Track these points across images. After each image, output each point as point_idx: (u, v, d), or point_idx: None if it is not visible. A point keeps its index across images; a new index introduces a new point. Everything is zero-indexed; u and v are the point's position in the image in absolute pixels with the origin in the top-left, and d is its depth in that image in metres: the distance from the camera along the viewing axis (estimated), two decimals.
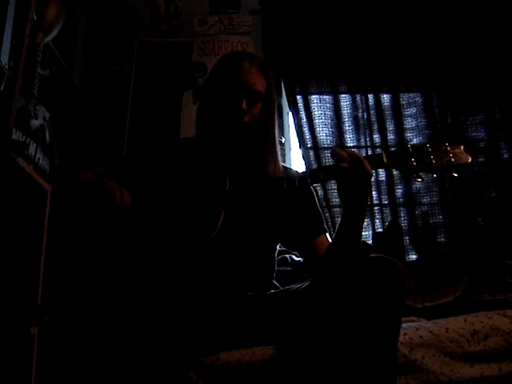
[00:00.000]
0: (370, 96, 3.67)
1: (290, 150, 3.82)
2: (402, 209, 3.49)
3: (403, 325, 1.45)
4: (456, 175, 1.55)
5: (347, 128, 3.64)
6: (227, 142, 1.79)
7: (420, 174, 1.56)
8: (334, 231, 1.80)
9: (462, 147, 1.56)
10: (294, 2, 3.74)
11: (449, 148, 1.55)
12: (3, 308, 2.26)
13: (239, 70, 1.78)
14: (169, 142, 2.06)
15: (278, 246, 1.96)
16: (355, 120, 3.66)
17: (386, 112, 3.65)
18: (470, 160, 1.54)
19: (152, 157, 1.93)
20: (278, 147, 1.87)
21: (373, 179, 3.47)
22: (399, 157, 1.56)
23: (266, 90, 1.80)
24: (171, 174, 1.83)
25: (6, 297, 2.29)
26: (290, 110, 3.67)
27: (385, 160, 1.56)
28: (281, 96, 3.71)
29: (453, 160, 1.53)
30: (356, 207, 1.58)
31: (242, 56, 1.83)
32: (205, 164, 1.81)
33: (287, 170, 1.95)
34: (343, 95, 3.70)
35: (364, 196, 1.56)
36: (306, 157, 3.55)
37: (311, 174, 1.65)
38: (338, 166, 1.53)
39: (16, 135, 2.51)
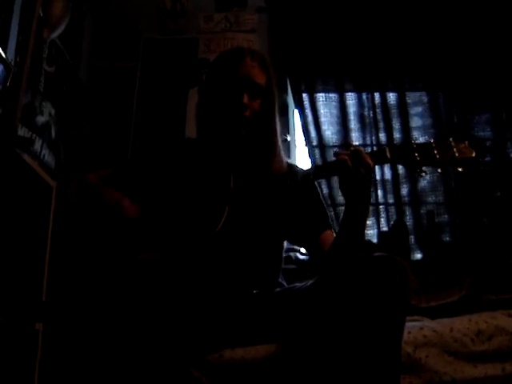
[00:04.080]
0: (376, 94, 3.66)
1: (295, 148, 3.82)
2: (407, 208, 3.48)
3: (407, 324, 1.45)
4: (461, 170, 1.54)
5: (353, 126, 3.63)
6: (229, 138, 1.79)
7: (424, 168, 1.55)
8: None
9: (467, 142, 1.55)
10: (300, 0, 3.73)
11: (453, 143, 1.54)
12: (8, 304, 2.26)
13: (241, 63, 1.78)
14: (173, 143, 2.06)
15: (284, 244, 1.95)
16: (361, 118, 3.65)
17: (392, 111, 3.63)
18: (474, 154, 1.53)
19: (157, 158, 1.93)
20: (281, 143, 1.87)
21: (378, 178, 3.48)
22: (403, 152, 1.55)
23: (266, 84, 1.80)
24: (176, 174, 1.83)
25: (11, 292, 2.29)
26: (296, 107, 3.67)
27: (388, 155, 1.55)
28: (286, 94, 3.71)
29: (457, 155, 1.52)
30: (358, 202, 1.57)
31: (243, 51, 1.84)
32: (209, 163, 1.81)
33: (292, 166, 1.95)
34: (349, 93, 3.69)
35: (366, 190, 1.55)
36: (311, 155, 3.55)
37: (314, 170, 1.66)
38: (339, 160, 1.53)
39: (22, 131, 2.52)
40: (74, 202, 1.93)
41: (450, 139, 1.55)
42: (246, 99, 1.74)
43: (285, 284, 1.85)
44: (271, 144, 1.82)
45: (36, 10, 2.59)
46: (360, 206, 1.58)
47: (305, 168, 1.83)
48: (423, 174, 1.55)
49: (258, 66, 1.80)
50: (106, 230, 1.73)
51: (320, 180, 3.27)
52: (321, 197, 1.92)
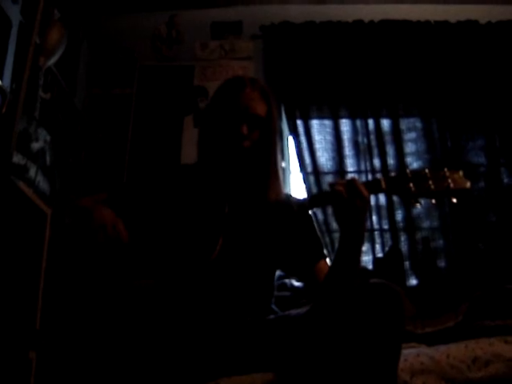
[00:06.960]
0: (370, 121, 3.68)
1: (290, 174, 3.83)
2: (402, 233, 3.48)
3: (404, 351, 1.44)
4: (455, 201, 1.54)
5: (347, 153, 3.64)
6: (228, 167, 1.79)
7: (419, 199, 1.55)
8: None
9: (461, 172, 1.54)
10: (295, 28, 3.78)
11: (448, 173, 1.54)
12: (1, 332, 2.24)
13: (241, 95, 1.78)
14: (169, 169, 2.06)
15: (276, 272, 1.95)
16: (355, 145, 3.67)
17: (386, 137, 3.65)
18: (468, 185, 1.53)
19: (153, 184, 1.93)
20: (281, 172, 1.87)
21: (373, 204, 3.48)
22: (398, 182, 1.56)
23: (266, 114, 1.80)
24: (171, 200, 1.82)
25: (5, 320, 2.27)
26: (291, 134, 3.68)
27: (383, 185, 1.56)
28: (281, 120, 3.72)
29: (452, 185, 1.52)
30: (353, 232, 1.57)
31: (244, 81, 1.83)
32: (205, 189, 1.81)
33: (287, 196, 1.95)
34: (343, 120, 3.72)
35: (361, 221, 1.55)
36: (306, 181, 3.55)
37: (309, 200, 1.66)
38: (334, 190, 1.53)
39: (17, 158, 2.52)
40: (68, 227, 1.92)
41: (445, 169, 1.54)
42: (245, 130, 1.74)
43: (277, 311, 1.83)
44: (269, 173, 1.82)
45: (32, 38, 2.61)
46: (355, 236, 1.57)
47: (300, 197, 1.83)
48: (418, 204, 1.55)
49: (259, 96, 1.79)
50: (100, 256, 1.72)
51: (316, 209, 3.29)
52: (315, 226, 1.91)
